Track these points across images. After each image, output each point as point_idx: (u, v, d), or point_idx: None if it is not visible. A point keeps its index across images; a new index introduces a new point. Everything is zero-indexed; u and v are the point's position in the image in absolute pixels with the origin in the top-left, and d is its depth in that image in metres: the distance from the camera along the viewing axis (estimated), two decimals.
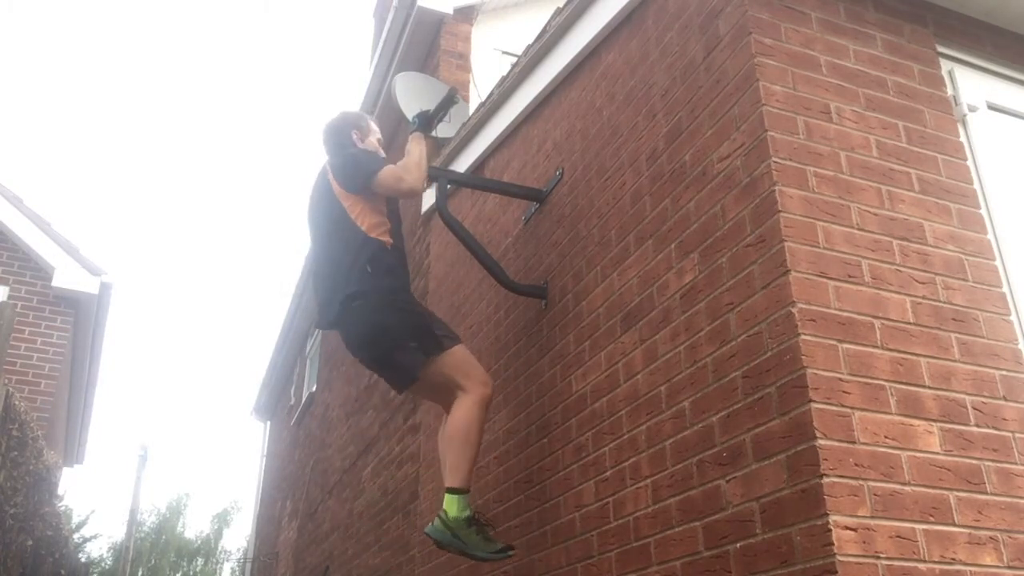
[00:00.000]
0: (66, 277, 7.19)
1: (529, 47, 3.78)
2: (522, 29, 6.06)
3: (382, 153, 3.41)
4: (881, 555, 1.75)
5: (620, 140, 2.96)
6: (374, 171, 3.09)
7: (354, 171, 3.14)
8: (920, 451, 1.92)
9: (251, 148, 68.54)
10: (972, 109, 2.52)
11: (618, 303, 2.75)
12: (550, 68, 3.64)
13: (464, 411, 2.88)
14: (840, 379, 1.91)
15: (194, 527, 40.23)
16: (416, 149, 3.21)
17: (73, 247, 7.35)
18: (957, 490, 1.91)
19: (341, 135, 3.34)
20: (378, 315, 2.99)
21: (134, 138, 65.09)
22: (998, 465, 1.99)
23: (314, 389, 8.93)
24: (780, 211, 2.05)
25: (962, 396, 2.04)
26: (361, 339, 3.06)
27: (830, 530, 1.73)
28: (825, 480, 1.78)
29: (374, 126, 3.46)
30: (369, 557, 5.43)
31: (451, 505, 2.74)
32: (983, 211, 2.38)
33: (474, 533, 2.75)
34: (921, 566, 1.78)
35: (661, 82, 2.73)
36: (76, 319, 7.41)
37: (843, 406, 1.88)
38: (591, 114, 3.25)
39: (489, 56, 6.24)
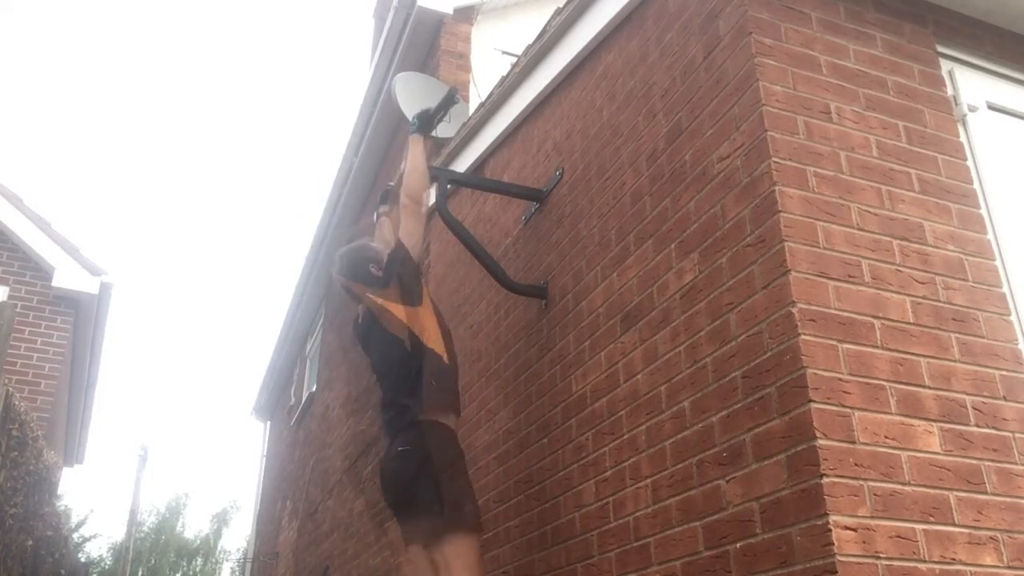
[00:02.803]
0: (66, 277, 7.18)
1: (529, 47, 3.78)
2: (522, 29, 6.06)
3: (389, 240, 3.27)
4: (881, 555, 1.75)
5: (620, 140, 2.96)
6: (404, 255, 2.99)
7: (387, 266, 3.01)
8: (920, 451, 1.92)
9: (251, 148, 68.57)
10: (972, 109, 2.52)
11: (618, 303, 2.75)
12: (550, 68, 3.64)
13: None
14: (840, 379, 1.91)
15: (193, 527, 40.27)
16: (411, 158, 3.19)
17: (73, 247, 7.34)
18: (957, 490, 1.91)
19: (363, 275, 3.13)
20: (417, 463, 2.76)
21: (135, 138, 65.13)
22: (998, 465, 1.99)
23: (314, 389, 8.93)
24: (780, 211, 2.05)
25: (962, 396, 2.04)
26: (397, 487, 2.84)
27: (830, 530, 1.73)
28: (825, 480, 1.78)
29: (381, 252, 3.24)
30: (369, 557, 5.43)
31: None
32: (983, 211, 2.38)
33: None
34: (921, 566, 1.78)
35: (661, 82, 2.73)
36: (76, 319, 7.41)
37: (843, 406, 1.88)
38: (591, 114, 3.25)
39: (489, 56, 6.24)
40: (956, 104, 2.52)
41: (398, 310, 2.97)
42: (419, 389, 2.83)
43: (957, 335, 2.12)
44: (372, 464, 5.77)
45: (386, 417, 2.98)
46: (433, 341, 2.95)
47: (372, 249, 3.21)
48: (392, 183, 3.40)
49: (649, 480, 2.40)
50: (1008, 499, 1.95)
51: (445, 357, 2.97)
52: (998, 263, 2.32)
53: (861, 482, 1.81)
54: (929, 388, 2.01)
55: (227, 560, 30.46)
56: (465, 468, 2.91)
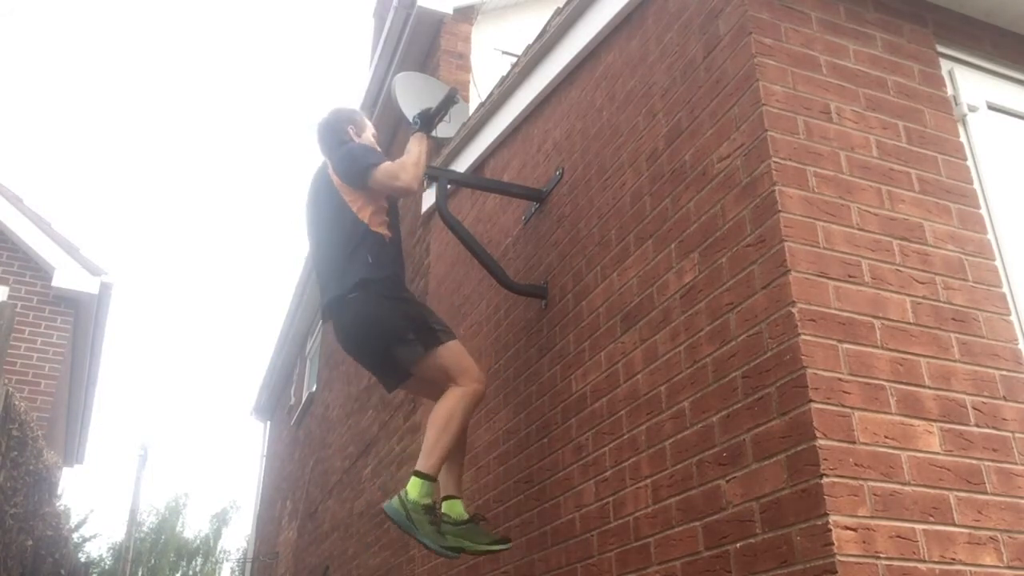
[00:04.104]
0: (66, 277, 7.18)
1: (529, 47, 3.78)
2: (522, 29, 6.06)
3: (379, 148, 3.42)
4: (881, 555, 1.75)
5: (620, 140, 2.96)
6: (372, 165, 3.10)
7: (351, 165, 3.15)
8: (920, 451, 1.92)
9: (251, 148, 68.58)
10: (972, 109, 2.52)
11: (618, 303, 2.75)
12: (550, 68, 3.64)
13: (452, 400, 2.86)
14: (840, 379, 1.91)
15: (193, 527, 40.28)
16: (416, 148, 3.21)
17: (73, 247, 7.34)
18: (957, 490, 1.91)
19: (337, 131, 3.34)
20: (376, 307, 2.97)
21: (134, 138, 65.14)
22: (998, 465, 1.99)
23: (314, 389, 8.93)
24: (780, 211, 2.05)
25: (962, 396, 2.04)
26: (359, 332, 3.05)
27: (830, 530, 1.73)
28: (825, 480, 1.78)
29: (368, 121, 3.47)
30: (369, 557, 5.43)
31: (414, 488, 2.73)
32: (983, 211, 2.38)
33: (427, 522, 2.71)
34: (921, 566, 1.78)
35: (661, 82, 2.74)
36: (76, 319, 7.41)
37: (843, 406, 1.88)
38: (591, 114, 3.25)
39: (489, 56, 6.24)
40: (956, 104, 2.52)
41: (342, 186, 3.14)
42: (357, 262, 3.01)
43: (957, 335, 2.12)
44: (372, 464, 5.78)
45: (323, 301, 3.18)
46: (375, 222, 3.11)
47: (345, 132, 3.35)
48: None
49: (649, 480, 2.40)
50: (1008, 499, 1.95)
51: (387, 236, 3.14)
52: (998, 263, 2.32)
53: (861, 482, 1.81)
54: (929, 388, 2.01)
55: (227, 560, 30.47)
56: (413, 299, 3.13)
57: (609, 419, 2.68)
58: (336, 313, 3.09)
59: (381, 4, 8.48)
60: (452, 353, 2.96)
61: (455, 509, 2.88)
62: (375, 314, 2.98)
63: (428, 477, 2.75)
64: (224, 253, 64.19)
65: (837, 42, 2.40)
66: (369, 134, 3.42)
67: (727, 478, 2.08)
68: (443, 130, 4.06)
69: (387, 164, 3.11)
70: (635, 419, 2.53)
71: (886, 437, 1.89)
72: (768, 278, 2.05)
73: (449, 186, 4.08)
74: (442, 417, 2.83)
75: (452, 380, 2.90)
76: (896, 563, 1.76)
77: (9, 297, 7.01)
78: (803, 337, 1.92)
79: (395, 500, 2.73)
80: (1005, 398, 2.10)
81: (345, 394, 7.16)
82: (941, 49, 2.59)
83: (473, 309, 4.12)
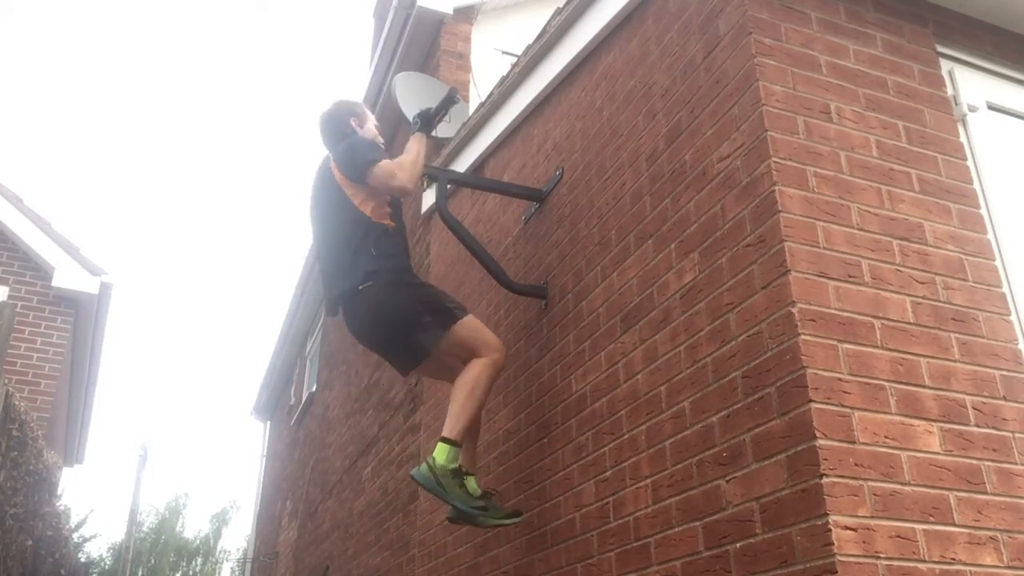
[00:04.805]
0: (66, 277, 7.19)
1: (529, 47, 3.78)
2: (522, 29, 6.06)
3: (381, 140, 3.43)
4: (881, 555, 1.75)
5: (620, 140, 2.96)
6: (371, 161, 3.11)
7: (351, 160, 3.16)
8: (920, 451, 1.92)
9: (251, 148, 68.58)
10: (972, 109, 2.52)
11: (618, 303, 2.75)
12: (550, 68, 3.64)
13: (477, 369, 2.93)
14: (840, 379, 1.91)
15: (193, 527, 40.29)
16: (414, 147, 3.23)
17: (73, 247, 7.34)
18: (957, 490, 1.91)
19: (340, 123, 3.36)
20: (390, 295, 3.01)
21: (134, 138, 65.13)
22: (998, 465, 1.99)
23: (314, 389, 8.93)
24: (780, 211, 2.05)
25: (962, 396, 2.04)
26: (374, 321, 3.07)
27: (830, 530, 1.73)
28: (825, 480, 1.78)
29: (370, 113, 3.48)
30: (369, 557, 5.43)
31: (441, 453, 2.80)
32: (983, 211, 2.38)
33: (457, 485, 2.81)
34: (921, 566, 1.78)
35: (661, 82, 2.74)
36: (76, 319, 7.41)
37: (843, 406, 1.88)
38: (591, 114, 3.25)
39: (489, 56, 6.24)
40: (956, 104, 2.52)
41: (344, 180, 3.16)
42: (362, 255, 3.04)
43: (957, 335, 2.12)
44: (372, 464, 5.78)
45: (330, 296, 3.19)
46: (377, 213, 3.12)
47: (348, 125, 3.36)
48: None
49: (649, 480, 2.40)
50: (1008, 499, 1.95)
51: (391, 227, 3.15)
52: (998, 263, 2.32)
53: (861, 482, 1.81)
54: (929, 388, 2.01)
55: (227, 560, 30.46)
56: (422, 282, 3.18)
57: (609, 419, 2.68)
58: (347, 306, 3.11)
59: (381, 4, 8.48)
60: (470, 328, 3.02)
61: (470, 484, 2.94)
62: (389, 302, 3.01)
63: (454, 443, 2.82)
64: (224, 253, 64.21)
65: (837, 42, 2.40)
66: (371, 125, 3.43)
67: (727, 478, 2.08)
68: (443, 130, 4.06)
69: (385, 162, 3.12)
70: (635, 419, 2.53)
71: (886, 437, 1.89)
72: (768, 278, 2.05)
73: (449, 186, 4.09)
74: (467, 385, 2.91)
75: (474, 353, 2.97)
76: (896, 563, 1.76)
77: (9, 297, 7.01)
78: (803, 337, 1.92)
79: (423, 467, 2.80)
80: (1005, 398, 2.10)
81: (345, 394, 7.16)
82: (941, 49, 2.59)
83: (473, 309, 4.12)
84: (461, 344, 3.00)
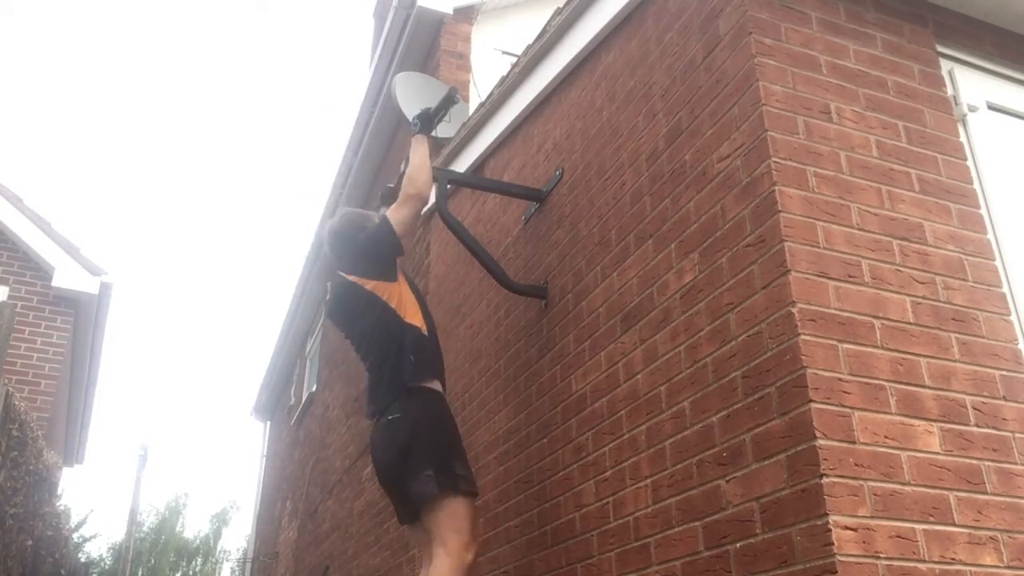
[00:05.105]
0: (66, 277, 7.19)
1: (529, 47, 3.78)
2: (522, 29, 6.06)
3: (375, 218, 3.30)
4: (881, 555, 1.75)
5: (620, 140, 2.96)
6: (382, 220, 3.07)
7: (370, 244, 3.09)
8: (920, 451, 1.92)
9: (251, 148, 68.57)
10: (972, 109, 2.52)
11: (618, 303, 2.75)
12: (550, 68, 3.64)
13: (443, 572, 2.64)
14: (840, 379, 1.91)
15: (193, 527, 40.28)
16: (418, 153, 3.21)
17: (73, 247, 7.35)
18: (957, 490, 1.91)
19: (349, 238, 3.23)
20: (408, 435, 2.83)
21: (134, 138, 65.13)
22: (998, 465, 1.99)
23: (314, 389, 8.93)
24: (780, 211, 2.05)
25: (962, 396, 2.04)
26: (386, 460, 2.93)
27: (830, 530, 1.73)
28: (825, 480, 1.78)
29: (373, 214, 3.35)
30: (369, 557, 5.43)
31: None
32: (983, 211, 2.38)
33: None
34: (921, 566, 1.78)
35: (661, 82, 2.73)
36: (76, 319, 7.41)
37: (843, 406, 1.88)
38: (591, 114, 3.26)
39: (489, 56, 6.24)
40: (956, 104, 2.52)
41: (375, 286, 3.05)
42: (401, 365, 2.93)
43: (957, 335, 2.12)
44: (372, 464, 5.77)
45: (371, 398, 3.06)
46: (411, 316, 3.03)
47: (362, 215, 3.31)
48: (391, 184, 3.41)
49: (649, 480, 2.40)
50: (1008, 499, 1.95)
51: (424, 328, 3.05)
52: (998, 263, 2.32)
53: (861, 482, 1.81)
54: (929, 388, 2.01)
55: (227, 560, 30.46)
56: (454, 430, 2.99)
57: (609, 419, 2.68)
58: (374, 431, 3.01)
59: (381, 4, 8.48)
60: (457, 509, 2.75)
61: None
62: (405, 443, 2.83)
63: None
64: (224, 253, 64.21)
65: (837, 42, 2.40)
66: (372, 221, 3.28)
67: (727, 478, 2.08)
68: (443, 130, 4.06)
69: (389, 212, 3.10)
70: (635, 419, 2.53)
71: (886, 437, 1.89)
72: (768, 278, 2.05)
73: (449, 186, 4.08)
74: None
75: (441, 540, 2.70)
76: (896, 563, 1.76)
77: (9, 297, 7.01)
78: (803, 337, 1.92)
79: None
80: (1005, 398, 2.10)
81: (345, 394, 7.16)
82: (941, 49, 2.59)
83: (473, 309, 4.12)
84: (437, 520, 2.73)
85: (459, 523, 2.73)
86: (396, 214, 3.09)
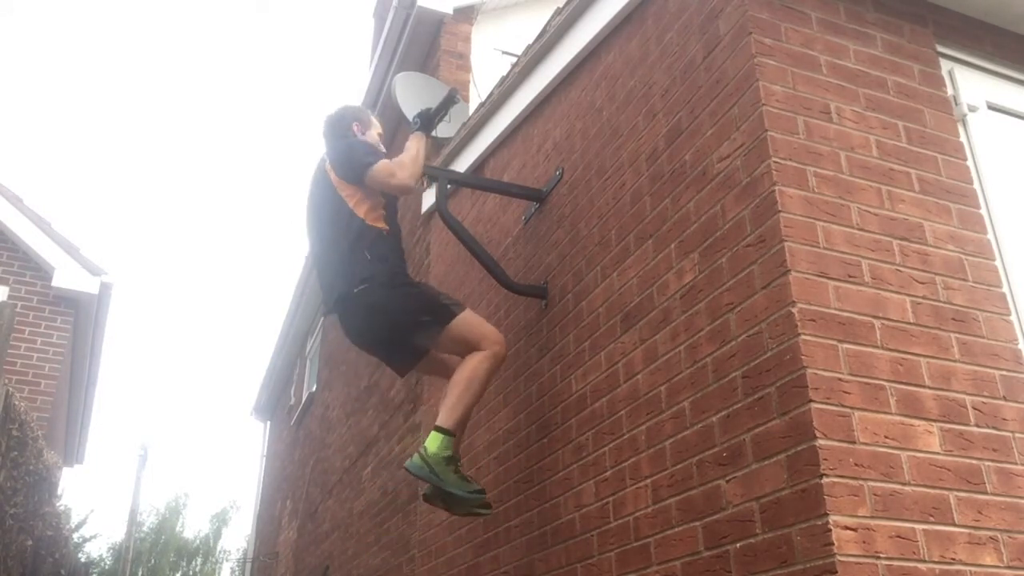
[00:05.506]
0: (66, 277, 7.19)
1: (529, 47, 3.78)
2: (522, 29, 6.06)
3: (382, 148, 3.42)
4: (881, 555, 1.75)
5: (620, 140, 2.96)
6: (368, 164, 3.11)
7: (349, 161, 3.17)
8: (920, 451, 1.92)
9: (251, 148, 68.56)
10: (972, 109, 2.52)
11: (618, 303, 2.75)
12: (550, 68, 3.64)
13: (476, 362, 2.92)
14: (840, 379, 1.91)
15: (193, 527, 40.28)
16: (414, 146, 3.23)
17: (73, 247, 7.34)
18: (957, 490, 1.91)
19: (341, 126, 3.38)
20: (387, 297, 3.01)
21: (134, 138, 65.11)
22: (998, 465, 1.99)
23: (314, 389, 8.93)
24: (780, 211, 2.05)
25: (962, 396, 2.04)
26: (372, 323, 3.07)
27: (830, 530, 1.73)
28: (825, 480, 1.78)
29: (375, 120, 3.49)
30: (369, 557, 5.43)
31: (433, 441, 2.79)
32: (983, 211, 2.38)
33: (451, 472, 2.79)
34: (921, 566, 1.78)
35: (661, 82, 2.74)
36: (76, 319, 7.41)
37: (843, 406, 1.88)
38: (591, 114, 3.26)
39: (489, 56, 6.24)
40: (956, 104, 2.52)
41: (338, 182, 3.15)
42: (357, 261, 3.04)
43: (957, 335, 2.12)
44: (372, 464, 5.78)
45: (327, 299, 3.20)
46: (374, 219, 3.12)
47: (364, 112, 3.44)
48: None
49: (649, 480, 2.40)
50: (1008, 499, 1.95)
51: (384, 229, 3.15)
52: (998, 263, 2.32)
53: (861, 482, 1.81)
54: (929, 388, 2.01)
55: (227, 560, 30.46)
56: (417, 283, 3.20)
57: (609, 419, 2.68)
58: (343, 309, 3.11)
59: (381, 4, 8.48)
60: (468, 323, 3.01)
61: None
62: (385, 304, 3.01)
63: (448, 432, 2.82)
64: (224, 253, 64.20)
65: (837, 42, 2.40)
66: (375, 132, 3.43)
67: (727, 478, 2.08)
68: (443, 130, 4.06)
69: (384, 162, 3.12)
70: (635, 419, 2.53)
71: (886, 437, 1.89)
72: (768, 278, 2.05)
73: (449, 186, 4.08)
74: (465, 377, 2.90)
75: (474, 347, 2.96)
76: (896, 563, 1.76)
77: (9, 297, 7.01)
78: (803, 337, 1.92)
79: (415, 457, 2.80)
80: (1005, 398, 2.10)
81: (345, 394, 7.16)
82: (941, 49, 2.59)
83: (473, 309, 4.12)
84: (460, 339, 2.99)
85: (476, 330, 3.01)
86: (379, 169, 3.10)
